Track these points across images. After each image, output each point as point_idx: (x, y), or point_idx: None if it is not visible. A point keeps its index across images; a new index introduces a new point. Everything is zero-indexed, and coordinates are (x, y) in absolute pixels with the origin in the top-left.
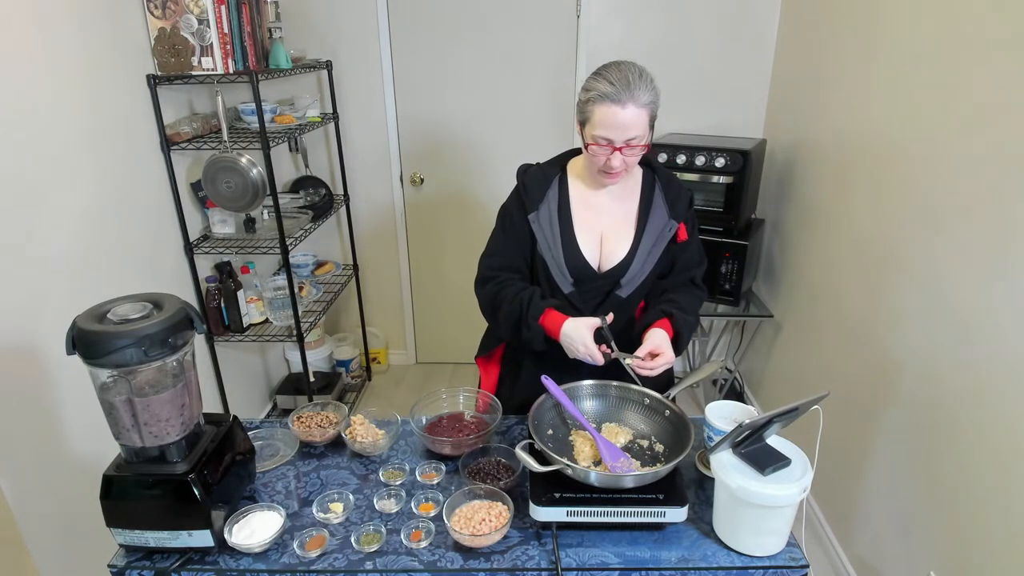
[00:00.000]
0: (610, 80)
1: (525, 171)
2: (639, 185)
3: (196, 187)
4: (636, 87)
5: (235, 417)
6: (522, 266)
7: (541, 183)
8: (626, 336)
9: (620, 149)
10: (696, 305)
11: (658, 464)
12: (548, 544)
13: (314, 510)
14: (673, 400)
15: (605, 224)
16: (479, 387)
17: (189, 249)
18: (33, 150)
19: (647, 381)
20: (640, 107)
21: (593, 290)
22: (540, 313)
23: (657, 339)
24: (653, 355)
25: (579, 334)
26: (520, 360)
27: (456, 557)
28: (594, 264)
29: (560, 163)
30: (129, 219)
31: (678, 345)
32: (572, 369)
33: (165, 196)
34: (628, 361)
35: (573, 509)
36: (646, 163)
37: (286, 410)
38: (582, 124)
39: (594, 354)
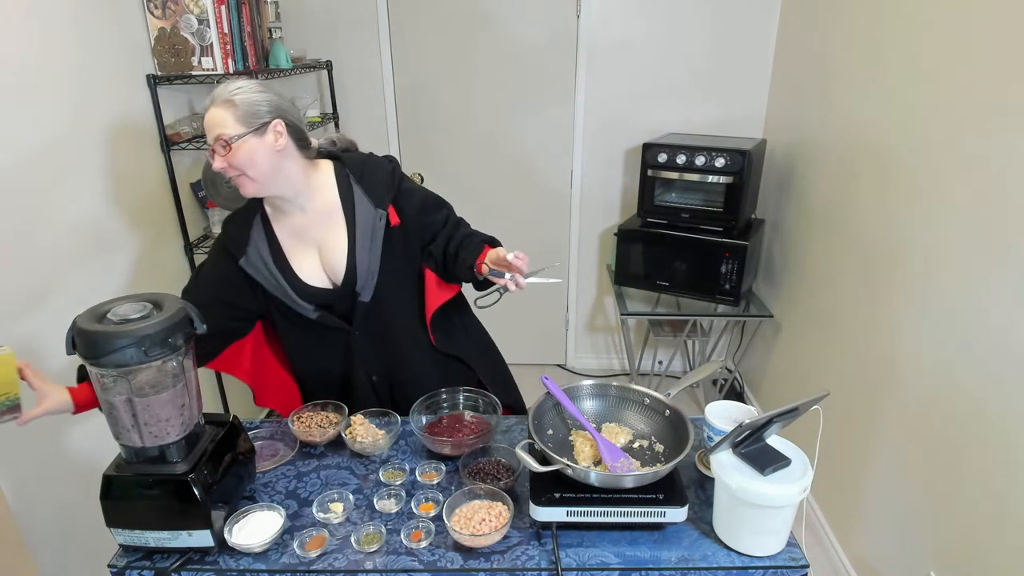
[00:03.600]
0: None
1: (228, 220)
2: (333, 185)
3: (196, 187)
4: (219, 91)
5: (235, 417)
6: (216, 305)
7: (242, 227)
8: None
9: (214, 151)
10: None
11: (658, 464)
12: (548, 544)
13: (314, 510)
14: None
15: (318, 239)
16: None
17: (189, 249)
18: (33, 150)
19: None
20: (219, 105)
21: (339, 306)
22: None
23: (503, 252)
24: (518, 257)
25: None
26: None
27: (456, 557)
28: (327, 283)
29: (257, 201)
30: (129, 219)
31: None
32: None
33: (165, 196)
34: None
35: (573, 509)
36: (335, 157)
37: None
38: None
39: None
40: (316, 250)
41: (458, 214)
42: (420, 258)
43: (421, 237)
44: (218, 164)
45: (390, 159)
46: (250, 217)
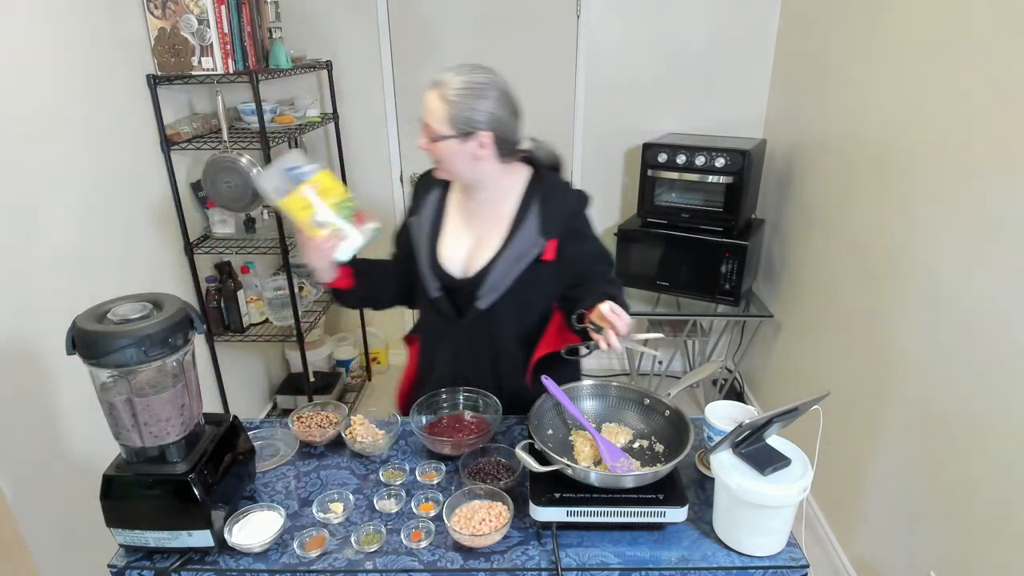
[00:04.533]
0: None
1: (420, 178)
2: (518, 195)
3: (196, 187)
4: (446, 79)
5: (235, 417)
6: (394, 262)
7: (426, 188)
8: (510, 364)
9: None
10: (623, 295)
11: (658, 464)
12: (548, 544)
13: (314, 510)
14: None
15: (480, 230)
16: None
17: (189, 249)
18: (33, 150)
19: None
20: (436, 94)
21: (458, 297)
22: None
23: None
24: (612, 311)
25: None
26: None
27: (456, 557)
28: (458, 270)
29: None
30: (129, 219)
31: None
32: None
33: (165, 196)
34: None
35: (573, 509)
36: (535, 165)
37: (286, 410)
38: None
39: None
40: (472, 238)
41: None
42: (556, 299)
43: (569, 281)
44: (421, 143)
45: (583, 197)
46: (436, 182)
